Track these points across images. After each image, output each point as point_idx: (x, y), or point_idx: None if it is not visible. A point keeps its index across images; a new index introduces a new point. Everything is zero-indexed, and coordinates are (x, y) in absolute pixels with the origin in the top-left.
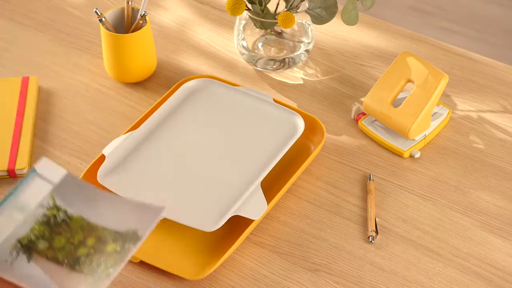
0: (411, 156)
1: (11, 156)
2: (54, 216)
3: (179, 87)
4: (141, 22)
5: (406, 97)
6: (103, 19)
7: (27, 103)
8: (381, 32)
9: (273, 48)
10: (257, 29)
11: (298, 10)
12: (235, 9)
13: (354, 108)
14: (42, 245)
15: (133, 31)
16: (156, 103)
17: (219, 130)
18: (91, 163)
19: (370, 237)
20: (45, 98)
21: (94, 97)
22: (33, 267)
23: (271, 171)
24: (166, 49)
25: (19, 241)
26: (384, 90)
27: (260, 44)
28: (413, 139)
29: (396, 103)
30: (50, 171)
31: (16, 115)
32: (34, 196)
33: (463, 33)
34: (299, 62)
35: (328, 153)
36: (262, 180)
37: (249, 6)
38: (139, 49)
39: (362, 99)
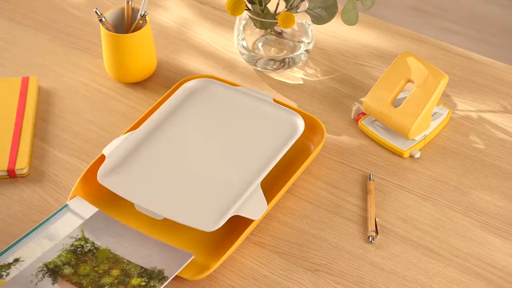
0: (411, 156)
1: (11, 156)
2: (82, 246)
3: (179, 87)
4: (141, 22)
5: (406, 97)
6: (103, 19)
7: (27, 103)
8: (381, 32)
9: (273, 48)
10: (257, 29)
11: (298, 10)
12: (235, 9)
13: (354, 108)
14: (67, 270)
15: (133, 31)
16: (156, 103)
17: (219, 130)
18: (91, 163)
19: (370, 237)
20: (45, 98)
21: (94, 97)
22: None
23: (271, 171)
24: (166, 49)
25: (46, 265)
26: (384, 90)
27: (260, 44)
28: (413, 139)
29: (396, 103)
30: (82, 207)
31: (16, 115)
32: (64, 228)
33: (463, 33)
34: (299, 62)
35: (328, 153)
36: (262, 180)
37: (249, 6)
38: (139, 49)
39: (362, 99)
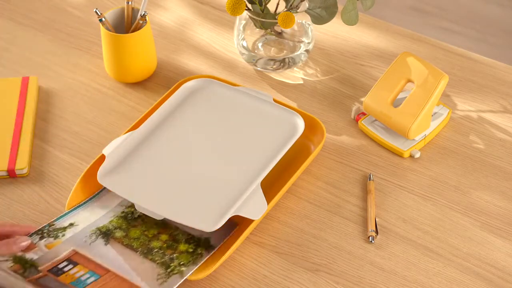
0: (411, 156)
1: (11, 156)
2: (132, 213)
3: (179, 87)
4: (141, 22)
5: (406, 97)
6: (103, 19)
7: (27, 103)
8: (381, 32)
9: (273, 48)
10: (257, 29)
11: (298, 10)
12: (235, 9)
13: (354, 108)
14: (119, 233)
15: (133, 31)
16: (156, 103)
17: (219, 130)
18: (91, 163)
19: (370, 237)
20: (45, 98)
21: (94, 97)
22: (109, 249)
23: (271, 171)
24: (166, 49)
25: (99, 229)
26: (384, 90)
27: (260, 44)
28: (413, 139)
29: (396, 103)
30: None
31: (16, 115)
32: (115, 199)
33: (463, 33)
34: (299, 62)
35: (328, 153)
36: (262, 180)
37: (249, 6)
38: (139, 49)
39: (362, 99)
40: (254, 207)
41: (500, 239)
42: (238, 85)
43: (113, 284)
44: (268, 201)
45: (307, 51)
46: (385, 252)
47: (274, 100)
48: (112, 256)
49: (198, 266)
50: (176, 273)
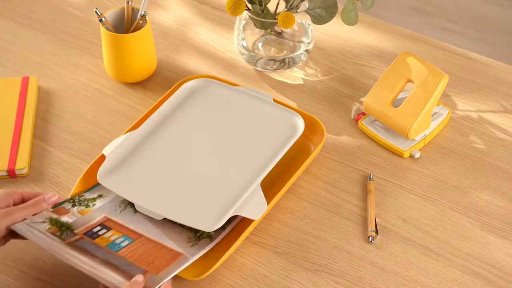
0: (411, 156)
1: (11, 156)
2: None
3: (179, 87)
4: (141, 22)
5: (406, 97)
6: (103, 19)
7: (27, 103)
8: (381, 32)
9: (273, 48)
10: (257, 29)
11: (298, 10)
12: (235, 9)
13: (354, 108)
14: None
15: (133, 31)
16: (156, 103)
17: (219, 130)
18: (91, 163)
19: (370, 237)
20: (45, 98)
21: (94, 97)
22: (139, 217)
23: (271, 171)
24: (166, 49)
25: (127, 200)
26: (384, 90)
27: (260, 44)
28: (413, 139)
29: (396, 103)
30: None
31: (16, 115)
32: None
33: (463, 33)
34: (299, 62)
35: (328, 153)
36: (262, 180)
37: (249, 6)
38: (139, 49)
39: (362, 99)
40: (254, 207)
41: (500, 239)
42: (238, 85)
43: (146, 247)
44: (268, 201)
45: (307, 51)
46: (385, 252)
47: (274, 100)
48: (142, 223)
49: (226, 230)
50: (206, 236)
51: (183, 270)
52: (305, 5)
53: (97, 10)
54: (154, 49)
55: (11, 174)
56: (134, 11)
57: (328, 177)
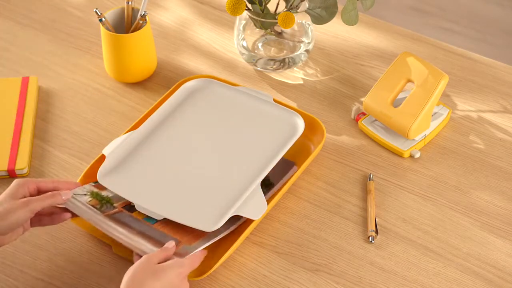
0: (411, 156)
1: (11, 156)
2: None
3: (179, 87)
4: (141, 22)
5: (406, 97)
6: (103, 19)
7: (27, 103)
8: (381, 32)
9: (273, 48)
10: (257, 29)
11: (298, 10)
12: (235, 9)
13: (354, 108)
14: None
15: (133, 31)
16: (156, 103)
17: (219, 130)
18: (91, 163)
19: (370, 237)
20: (45, 98)
21: (94, 97)
22: None
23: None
24: (166, 49)
25: None
26: (384, 90)
27: (260, 44)
28: (413, 139)
29: (396, 103)
30: None
31: (16, 115)
32: None
33: (463, 33)
34: (299, 62)
35: (328, 153)
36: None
37: (249, 6)
38: (139, 49)
39: (362, 99)
40: (254, 207)
41: (500, 239)
42: (238, 85)
43: (179, 223)
44: (268, 201)
45: (307, 51)
46: (385, 252)
47: (274, 100)
48: None
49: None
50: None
51: None
52: (305, 5)
53: (97, 10)
54: (154, 49)
55: (11, 174)
56: (134, 11)
57: (328, 177)
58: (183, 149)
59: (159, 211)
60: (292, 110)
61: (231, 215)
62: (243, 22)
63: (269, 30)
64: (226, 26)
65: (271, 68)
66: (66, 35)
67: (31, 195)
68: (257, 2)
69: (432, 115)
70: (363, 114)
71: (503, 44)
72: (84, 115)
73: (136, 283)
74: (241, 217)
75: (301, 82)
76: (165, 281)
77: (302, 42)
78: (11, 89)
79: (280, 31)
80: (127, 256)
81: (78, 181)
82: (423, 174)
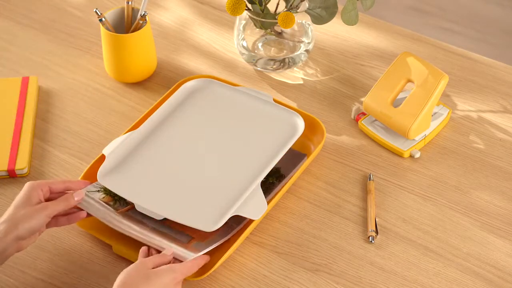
0: (411, 156)
1: (11, 156)
2: None
3: (179, 87)
4: (141, 22)
5: (406, 97)
6: (103, 19)
7: (27, 103)
8: (381, 32)
9: (273, 48)
10: (257, 29)
11: (298, 10)
12: (235, 9)
13: (354, 108)
14: None
15: (133, 31)
16: (156, 103)
17: (219, 130)
18: (91, 163)
19: (370, 237)
20: (45, 98)
21: (94, 97)
22: None
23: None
24: (166, 49)
25: None
26: (384, 90)
27: (260, 44)
28: (413, 139)
29: (396, 103)
30: None
31: (16, 115)
32: None
33: (463, 33)
34: (299, 62)
35: (328, 153)
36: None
37: (249, 6)
38: (139, 49)
39: (362, 99)
40: (254, 207)
41: (500, 239)
42: (238, 85)
43: None
44: (268, 201)
45: (307, 51)
46: (385, 252)
47: (274, 100)
48: None
49: (272, 194)
50: None
51: None
52: (305, 5)
53: (97, 10)
54: (154, 49)
55: (11, 174)
56: (134, 11)
57: (328, 177)
58: (183, 149)
59: (159, 211)
60: (292, 110)
61: (231, 215)
62: (243, 22)
63: (269, 30)
64: (226, 26)
65: (271, 68)
66: (66, 35)
67: (45, 197)
68: (257, 2)
69: (432, 115)
70: (363, 114)
71: (503, 44)
72: (84, 115)
73: (128, 285)
74: (244, 218)
75: (301, 82)
76: (158, 285)
77: (302, 42)
78: (11, 89)
79: (280, 31)
80: (127, 256)
81: None
82: (423, 174)
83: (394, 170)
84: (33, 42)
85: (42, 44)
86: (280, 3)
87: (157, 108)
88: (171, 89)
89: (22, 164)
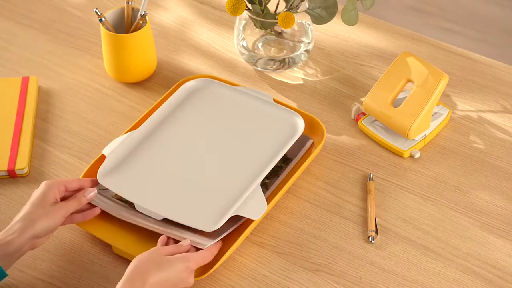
0: (411, 156)
1: (11, 156)
2: None
3: (179, 87)
4: (141, 22)
5: (406, 97)
6: (103, 19)
7: (27, 103)
8: (381, 32)
9: (273, 48)
10: (257, 29)
11: (298, 10)
12: (235, 9)
13: (354, 108)
14: None
15: (133, 31)
16: (156, 103)
17: (219, 130)
18: (91, 163)
19: (370, 237)
20: (45, 98)
21: (94, 97)
22: None
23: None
24: (166, 49)
25: None
26: (384, 90)
27: (260, 44)
28: (413, 139)
29: (396, 103)
30: None
31: (16, 115)
32: None
33: (463, 33)
34: (299, 62)
35: (328, 153)
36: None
37: (249, 6)
38: (139, 49)
39: (362, 99)
40: (254, 207)
41: (500, 239)
42: (238, 85)
43: None
44: (268, 201)
45: (307, 51)
46: (385, 252)
47: (274, 100)
48: None
49: (280, 178)
50: (261, 185)
51: None
52: (305, 5)
53: (97, 10)
54: (154, 49)
55: (11, 174)
56: (134, 11)
57: (328, 177)
58: (183, 149)
59: (159, 211)
60: (292, 110)
61: (231, 215)
62: (243, 22)
63: (269, 30)
64: (226, 26)
65: (271, 68)
66: (66, 35)
67: (61, 196)
68: (257, 2)
69: (432, 115)
70: (363, 114)
71: (503, 44)
72: (84, 115)
73: (140, 270)
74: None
75: (301, 82)
76: (171, 273)
77: (302, 42)
78: (11, 89)
79: (280, 31)
80: (127, 256)
81: None
82: (423, 174)
83: (394, 170)
84: (33, 42)
85: (42, 44)
86: (280, 3)
87: (157, 108)
88: (171, 89)
89: (22, 164)
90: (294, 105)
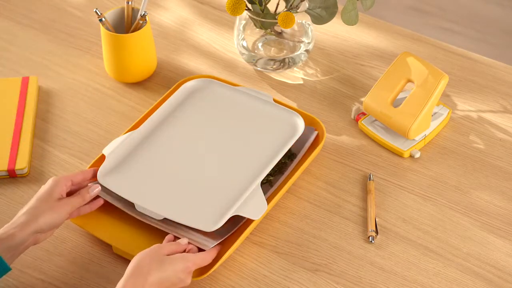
0: (411, 156)
1: (11, 156)
2: None
3: (179, 87)
4: (141, 22)
5: (406, 97)
6: (103, 19)
7: (27, 103)
8: (381, 32)
9: (273, 48)
10: (257, 29)
11: (298, 10)
12: (235, 9)
13: (354, 108)
14: None
15: (133, 31)
16: (156, 103)
17: (219, 130)
18: (91, 163)
19: (370, 237)
20: (45, 98)
21: (94, 97)
22: None
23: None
24: (166, 49)
25: None
26: (384, 90)
27: (260, 44)
28: (413, 139)
29: (396, 103)
30: None
31: (16, 115)
32: None
33: (463, 33)
34: (299, 62)
35: (328, 153)
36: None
37: (249, 6)
38: (139, 49)
39: (362, 99)
40: (254, 207)
41: (500, 239)
42: (238, 85)
43: None
44: (268, 201)
45: (307, 51)
46: (385, 252)
47: (274, 100)
48: None
49: (284, 175)
50: (265, 182)
51: None
52: (305, 5)
53: (97, 10)
54: (154, 49)
55: (11, 174)
56: (134, 11)
57: (328, 177)
58: (183, 149)
59: (159, 211)
60: (292, 110)
61: (231, 215)
62: (243, 22)
63: (269, 30)
64: (226, 26)
65: (271, 68)
66: (66, 35)
67: (67, 191)
68: (257, 2)
69: (432, 115)
70: (363, 114)
71: (503, 44)
72: (84, 115)
73: (141, 268)
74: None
75: (301, 82)
76: (171, 272)
77: (302, 42)
78: (11, 89)
79: (280, 31)
80: (127, 256)
81: None
82: (423, 174)
83: (394, 170)
84: (33, 42)
85: (42, 44)
86: (280, 3)
87: (157, 108)
88: (171, 89)
89: (22, 164)
90: (294, 105)
